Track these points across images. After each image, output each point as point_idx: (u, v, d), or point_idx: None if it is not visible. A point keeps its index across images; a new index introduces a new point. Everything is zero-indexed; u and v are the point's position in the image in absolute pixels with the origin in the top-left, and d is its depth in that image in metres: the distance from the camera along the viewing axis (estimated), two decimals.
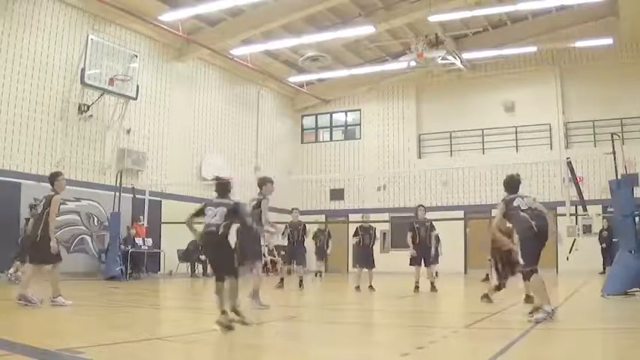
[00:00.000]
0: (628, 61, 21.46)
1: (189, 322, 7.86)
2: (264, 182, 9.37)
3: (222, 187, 7.01)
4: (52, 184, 8.86)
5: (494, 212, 7.98)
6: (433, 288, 12.42)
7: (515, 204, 7.24)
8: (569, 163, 14.04)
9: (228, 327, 6.16)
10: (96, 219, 17.31)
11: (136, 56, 17.80)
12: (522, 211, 7.14)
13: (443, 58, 20.84)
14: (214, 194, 7.00)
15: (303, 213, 24.24)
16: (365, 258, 13.29)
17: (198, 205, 6.81)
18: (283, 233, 14.05)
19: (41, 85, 16.15)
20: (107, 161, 17.92)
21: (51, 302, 8.45)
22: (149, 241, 17.58)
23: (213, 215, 6.65)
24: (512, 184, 7.56)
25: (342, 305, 11.06)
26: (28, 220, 12.74)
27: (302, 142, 27.64)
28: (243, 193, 24.20)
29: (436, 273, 14.64)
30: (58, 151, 16.48)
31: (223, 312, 6.33)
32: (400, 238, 17.46)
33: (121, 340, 5.61)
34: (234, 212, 6.70)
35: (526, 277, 7.48)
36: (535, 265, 7.04)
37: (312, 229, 18.69)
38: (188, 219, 6.79)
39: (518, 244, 7.28)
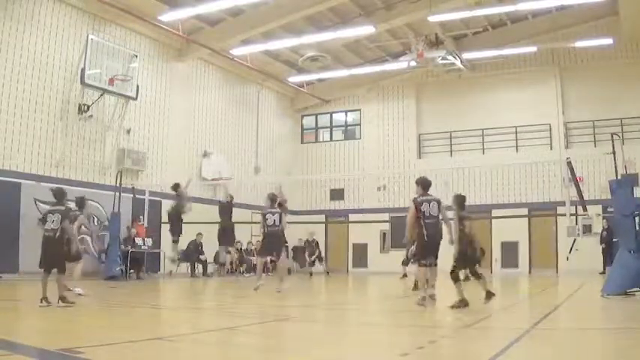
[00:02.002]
0: (628, 61, 21.45)
1: (189, 322, 7.86)
2: (283, 200, 11.72)
3: (58, 194, 8.63)
4: (81, 208, 10.47)
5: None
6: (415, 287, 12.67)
7: (422, 209, 8.63)
8: (569, 163, 14.02)
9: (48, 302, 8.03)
10: (96, 219, 17.29)
11: (136, 56, 17.79)
12: (425, 217, 8.59)
13: (443, 58, 20.82)
14: (53, 201, 8.66)
15: (303, 213, 24.49)
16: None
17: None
18: None
19: (41, 85, 16.15)
20: (107, 161, 17.92)
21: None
22: (149, 241, 17.57)
23: (51, 221, 8.26)
24: (425, 185, 9.02)
25: (342, 305, 11.06)
26: None
27: (302, 142, 27.62)
28: (243, 194, 24.29)
29: (404, 274, 16.12)
30: (58, 151, 16.49)
31: (44, 298, 7.95)
32: (399, 238, 17.54)
33: (121, 340, 5.61)
34: (66, 216, 8.38)
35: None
36: (425, 261, 8.62)
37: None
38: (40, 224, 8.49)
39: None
